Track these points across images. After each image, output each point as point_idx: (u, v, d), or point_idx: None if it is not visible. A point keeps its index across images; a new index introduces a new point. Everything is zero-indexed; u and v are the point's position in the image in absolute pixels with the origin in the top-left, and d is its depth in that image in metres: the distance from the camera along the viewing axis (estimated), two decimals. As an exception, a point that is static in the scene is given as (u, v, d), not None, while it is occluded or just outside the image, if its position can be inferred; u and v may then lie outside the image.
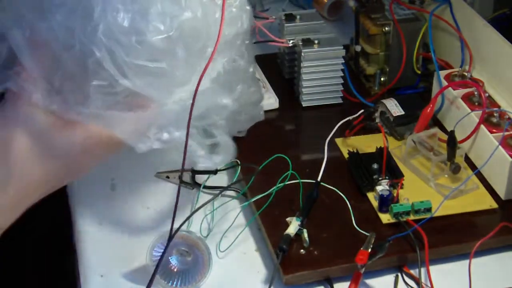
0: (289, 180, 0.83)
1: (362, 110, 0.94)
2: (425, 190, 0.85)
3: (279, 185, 0.83)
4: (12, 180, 0.66)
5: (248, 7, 0.76)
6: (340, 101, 1.01)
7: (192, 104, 0.69)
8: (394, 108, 0.93)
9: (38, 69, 0.67)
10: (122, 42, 0.65)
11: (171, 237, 0.71)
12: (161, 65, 0.68)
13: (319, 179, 0.84)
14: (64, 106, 0.67)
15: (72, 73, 0.67)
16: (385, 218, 0.81)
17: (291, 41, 0.99)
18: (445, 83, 0.94)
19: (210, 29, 0.70)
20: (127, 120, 0.69)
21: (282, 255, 0.76)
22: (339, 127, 0.92)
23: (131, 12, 0.66)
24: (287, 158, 0.85)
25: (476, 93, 0.90)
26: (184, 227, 0.74)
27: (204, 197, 0.86)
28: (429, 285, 0.75)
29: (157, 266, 0.72)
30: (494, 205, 0.84)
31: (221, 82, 0.74)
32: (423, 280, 0.76)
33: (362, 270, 0.74)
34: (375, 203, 0.83)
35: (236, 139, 0.82)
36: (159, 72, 0.68)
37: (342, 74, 0.99)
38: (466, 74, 0.95)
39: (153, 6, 0.66)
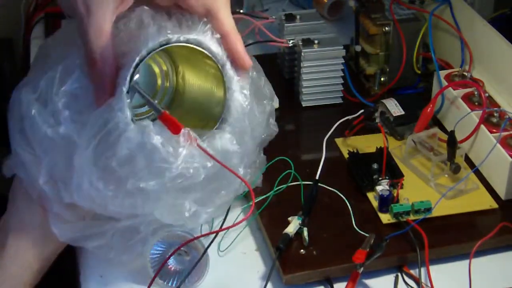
0: (290, 180, 0.83)
1: (362, 110, 0.94)
2: (425, 190, 0.85)
3: (281, 186, 0.83)
4: None
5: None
6: (340, 101, 1.01)
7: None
8: (394, 108, 0.93)
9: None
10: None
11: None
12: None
13: (317, 178, 0.84)
14: None
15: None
16: (385, 218, 0.81)
17: (291, 41, 0.99)
18: (445, 83, 0.94)
19: None
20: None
21: (279, 254, 0.76)
22: (338, 127, 0.92)
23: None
24: (289, 160, 0.85)
25: (476, 93, 0.90)
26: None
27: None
28: (429, 285, 0.75)
29: (159, 269, 0.73)
30: (494, 205, 0.83)
31: None
32: (423, 280, 0.76)
33: (361, 270, 0.74)
34: (375, 203, 0.83)
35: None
36: None
37: (342, 74, 0.99)
38: (466, 74, 0.95)
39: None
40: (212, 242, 0.75)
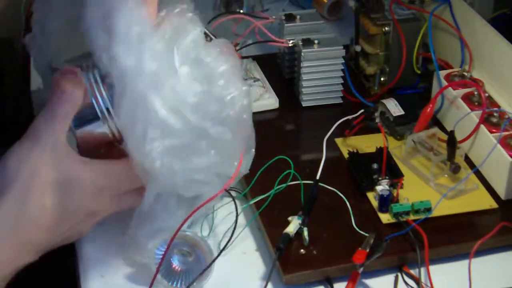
0: (289, 180, 0.83)
1: (362, 110, 0.94)
2: (425, 190, 0.85)
3: (280, 186, 0.83)
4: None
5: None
6: (340, 101, 1.01)
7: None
8: (394, 108, 0.93)
9: None
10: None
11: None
12: None
13: (317, 178, 0.84)
14: None
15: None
16: (385, 218, 0.81)
17: (291, 41, 0.99)
18: (445, 83, 0.94)
19: None
20: None
21: (279, 254, 0.76)
22: (338, 126, 0.92)
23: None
24: (288, 159, 0.85)
25: (476, 93, 0.90)
26: (185, 227, 0.74)
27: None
28: (429, 285, 0.75)
29: (159, 266, 0.72)
30: (494, 205, 0.84)
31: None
32: (423, 280, 0.76)
33: (360, 270, 0.74)
34: (375, 203, 0.83)
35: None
36: None
37: (342, 74, 0.99)
38: (466, 74, 0.95)
39: None
40: (225, 246, 0.77)
